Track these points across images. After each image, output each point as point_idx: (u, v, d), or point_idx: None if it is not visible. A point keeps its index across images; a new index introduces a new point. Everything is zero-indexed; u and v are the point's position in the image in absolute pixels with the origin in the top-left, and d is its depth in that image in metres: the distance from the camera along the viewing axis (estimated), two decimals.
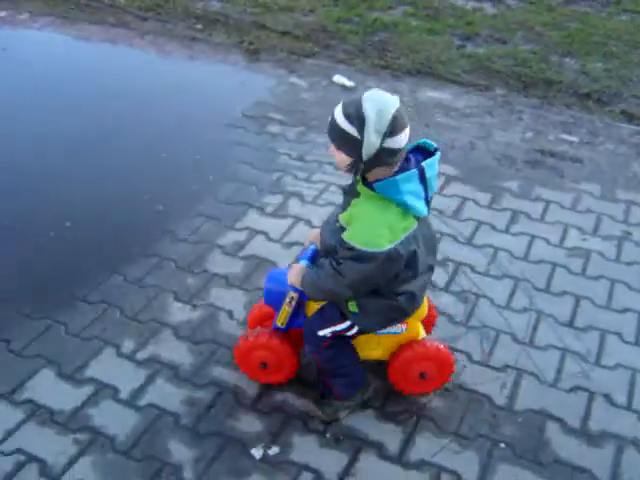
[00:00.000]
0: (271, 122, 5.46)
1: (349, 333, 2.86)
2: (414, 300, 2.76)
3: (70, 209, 4.47)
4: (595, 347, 3.39)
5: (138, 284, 3.81)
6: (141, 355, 3.37)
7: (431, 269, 2.84)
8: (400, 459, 2.86)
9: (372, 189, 2.47)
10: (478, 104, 5.82)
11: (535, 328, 3.50)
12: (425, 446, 2.91)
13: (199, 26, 7.51)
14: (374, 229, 2.47)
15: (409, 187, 2.44)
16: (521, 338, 3.44)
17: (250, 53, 6.79)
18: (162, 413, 3.07)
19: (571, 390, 3.17)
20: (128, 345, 3.43)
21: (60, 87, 6.26)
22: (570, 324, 3.53)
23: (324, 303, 2.89)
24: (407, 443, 2.92)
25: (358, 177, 2.53)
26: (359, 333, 2.88)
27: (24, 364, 3.35)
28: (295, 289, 2.87)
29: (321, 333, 2.86)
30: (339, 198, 4.35)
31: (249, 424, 3.01)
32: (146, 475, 2.82)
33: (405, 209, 2.47)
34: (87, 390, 3.20)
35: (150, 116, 5.66)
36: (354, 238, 2.49)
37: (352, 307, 2.76)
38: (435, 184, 2.58)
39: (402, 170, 2.46)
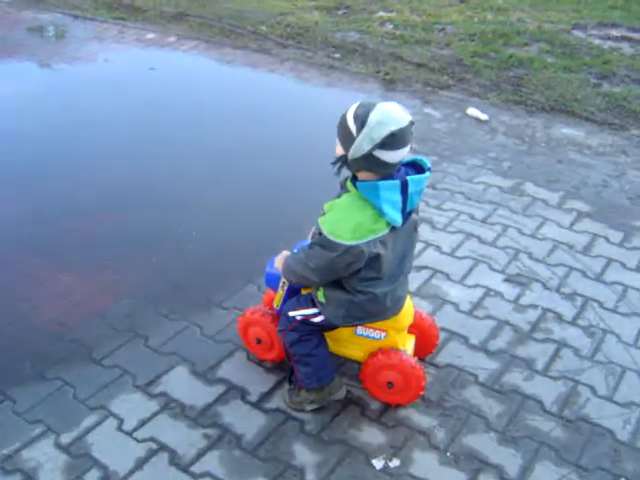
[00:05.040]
0: None
1: (315, 320, 3.03)
2: (376, 303, 2.89)
3: (214, 220, 4.73)
4: None
5: None
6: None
7: (403, 284, 2.98)
8: None
9: (357, 188, 2.64)
10: (612, 143, 5.77)
11: None
12: (544, 474, 2.91)
13: (337, 55, 7.75)
14: (343, 223, 2.64)
15: (388, 195, 2.60)
16: None
17: (386, 83, 6.96)
18: (288, 417, 3.17)
19: None
20: None
21: (202, 104, 6.59)
22: None
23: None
24: (526, 469, 2.92)
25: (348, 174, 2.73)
26: (326, 325, 3.05)
27: (160, 360, 3.50)
28: None
29: (291, 314, 3.07)
30: (470, 226, 4.49)
31: (372, 436, 3.08)
32: (270, 474, 2.90)
33: (380, 214, 2.62)
34: (218, 389, 3.33)
35: (285, 135, 5.92)
36: (324, 224, 2.67)
37: (320, 297, 2.96)
38: (417, 200, 2.72)
39: (388, 178, 2.61)
